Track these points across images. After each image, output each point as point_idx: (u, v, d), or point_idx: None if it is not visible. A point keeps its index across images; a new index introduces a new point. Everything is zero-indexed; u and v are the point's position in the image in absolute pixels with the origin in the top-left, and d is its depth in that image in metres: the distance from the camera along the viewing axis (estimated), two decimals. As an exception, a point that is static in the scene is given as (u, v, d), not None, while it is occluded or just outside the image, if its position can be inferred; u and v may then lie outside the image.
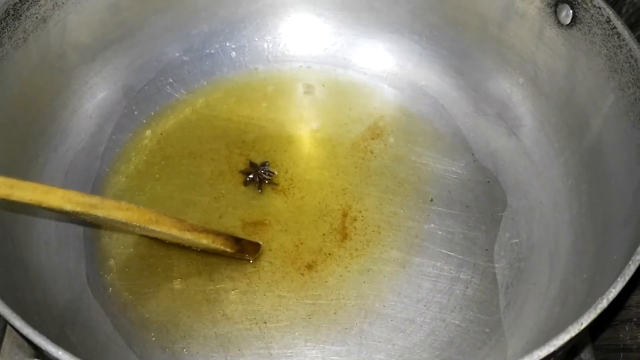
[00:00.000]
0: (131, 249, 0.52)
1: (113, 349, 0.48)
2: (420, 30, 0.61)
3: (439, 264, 0.52)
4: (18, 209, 0.49)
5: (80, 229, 0.53)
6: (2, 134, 0.50)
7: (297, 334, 0.49)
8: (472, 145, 0.59)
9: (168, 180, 0.56)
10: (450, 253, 0.53)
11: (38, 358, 0.46)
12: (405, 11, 0.61)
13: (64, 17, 0.54)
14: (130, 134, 0.59)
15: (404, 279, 0.52)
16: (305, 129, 0.60)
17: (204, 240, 0.49)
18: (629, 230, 0.43)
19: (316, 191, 0.56)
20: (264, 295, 0.50)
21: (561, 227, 0.52)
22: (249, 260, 0.52)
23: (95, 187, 0.56)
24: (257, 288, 0.51)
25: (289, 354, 0.48)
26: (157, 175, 0.57)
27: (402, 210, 0.55)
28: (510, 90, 0.58)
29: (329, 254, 0.52)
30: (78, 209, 0.43)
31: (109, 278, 0.51)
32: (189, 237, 0.49)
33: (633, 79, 0.46)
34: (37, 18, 0.52)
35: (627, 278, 0.38)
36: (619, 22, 0.47)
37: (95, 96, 0.58)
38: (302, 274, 0.51)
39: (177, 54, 0.62)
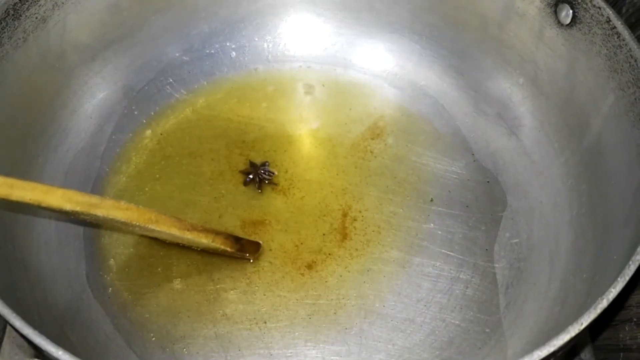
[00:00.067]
0: (131, 249, 0.52)
1: (113, 349, 0.48)
2: (420, 30, 0.61)
3: (438, 264, 0.52)
4: (18, 208, 0.49)
5: (80, 229, 0.53)
6: (2, 134, 0.50)
7: (297, 334, 0.49)
8: (472, 145, 0.59)
9: (168, 180, 0.56)
10: (450, 253, 0.53)
11: (38, 358, 0.46)
12: (405, 11, 0.61)
13: (63, 17, 0.54)
14: (130, 134, 0.59)
15: (404, 279, 0.52)
16: (305, 129, 0.60)
17: (204, 240, 0.49)
18: (629, 230, 0.43)
19: (316, 191, 0.56)
20: (264, 295, 0.50)
21: (561, 227, 0.52)
22: (249, 260, 0.52)
23: (95, 187, 0.56)
24: (257, 288, 0.51)
25: (289, 354, 0.48)
26: (157, 175, 0.57)
27: (402, 210, 0.55)
28: (510, 90, 0.58)
29: (329, 254, 0.52)
30: (78, 208, 0.43)
31: (108, 278, 0.51)
32: (188, 236, 0.49)
33: (633, 79, 0.46)
34: (37, 18, 0.52)
35: (627, 278, 0.38)
36: (619, 22, 0.47)
37: (95, 96, 0.58)
38: (302, 274, 0.51)
39: (177, 54, 0.62)
